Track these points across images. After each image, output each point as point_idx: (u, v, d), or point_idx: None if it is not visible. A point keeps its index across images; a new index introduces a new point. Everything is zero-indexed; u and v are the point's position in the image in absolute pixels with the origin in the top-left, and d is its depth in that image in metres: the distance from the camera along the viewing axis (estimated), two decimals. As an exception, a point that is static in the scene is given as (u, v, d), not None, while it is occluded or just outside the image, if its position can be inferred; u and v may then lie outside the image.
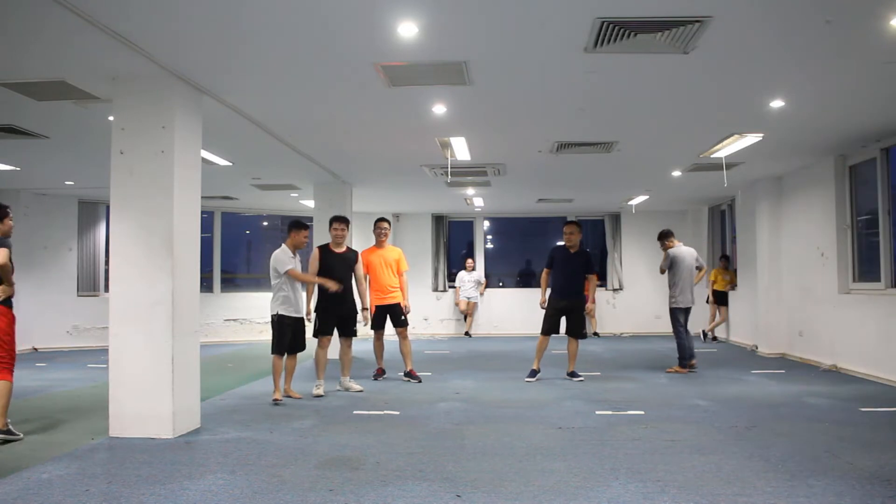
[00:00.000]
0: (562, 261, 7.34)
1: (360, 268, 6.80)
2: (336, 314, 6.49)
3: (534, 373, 7.28)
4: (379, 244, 7.35)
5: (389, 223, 7.49)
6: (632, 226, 13.42)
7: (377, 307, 7.18)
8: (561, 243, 7.58)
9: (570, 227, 7.38)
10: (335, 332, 6.54)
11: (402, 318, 7.23)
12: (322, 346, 6.48)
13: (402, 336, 7.25)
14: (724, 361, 8.88)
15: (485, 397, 6.20)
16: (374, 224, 7.37)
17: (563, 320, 7.31)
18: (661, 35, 4.12)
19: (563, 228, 7.45)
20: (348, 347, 6.64)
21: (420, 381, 7.12)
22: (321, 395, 6.31)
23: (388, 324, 7.29)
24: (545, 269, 7.53)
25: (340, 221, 6.66)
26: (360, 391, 6.53)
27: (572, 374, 7.28)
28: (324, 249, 6.61)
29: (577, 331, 7.27)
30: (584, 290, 7.45)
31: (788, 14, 3.89)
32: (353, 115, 6.12)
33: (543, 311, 7.37)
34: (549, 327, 7.28)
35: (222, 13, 3.81)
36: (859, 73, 4.92)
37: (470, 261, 13.45)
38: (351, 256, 6.69)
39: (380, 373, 7.41)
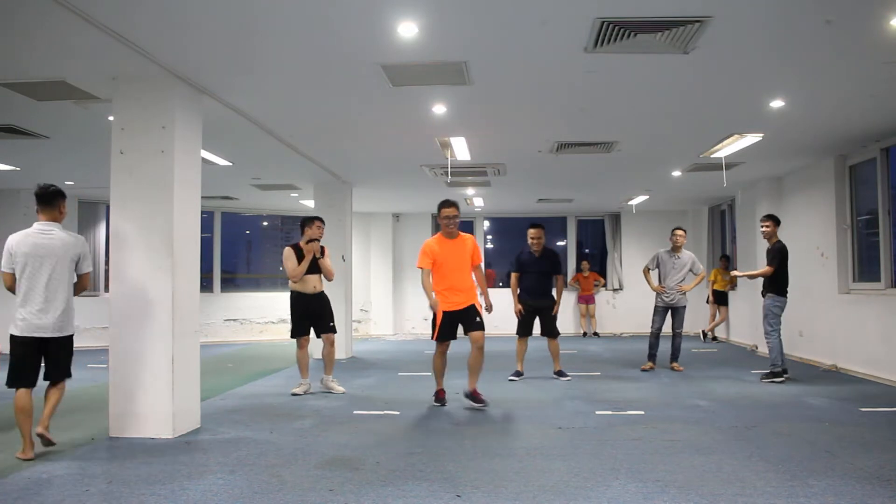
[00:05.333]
0: (529, 264, 7.37)
1: (326, 260, 6.52)
2: (307, 314, 6.45)
3: (518, 374, 7.36)
4: (448, 234, 5.72)
5: (458, 207, 5.79)
6: (632, 226, 13.40)
7: (444, 313, 5.69)
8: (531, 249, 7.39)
9: (538, 231, 7.33)
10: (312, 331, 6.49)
11: (478, 319, 5.72)
12: (301, 347, 6.50)
13: (477, 344, 5.67)
14: (724, 361, 8.88)
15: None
16: (439, 210, 5.75)
17: (537, 322, 7.36)
18: (661, 35, 4.12)
19: (529, 231, 7.37)
20: (330, 345, 6.54)
21: (487, 405, 5.69)
22: (297, 394, 6.36)
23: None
24: (513, 274, 7.52)
25: (321, 221, 6.69)
26: (343, 393, 6.46)
27: (559, 374, 7.32)
28: (296, 248, 6.47)
29: (551, 330, 7.32)
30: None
31: (788, 14, 3.89)
32: (353, 115, 6.13)
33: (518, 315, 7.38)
34: (524, 329, 7.34)
35: (223, 13, 3.81)
36: (859, 73, 4.92)
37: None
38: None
39: (441, 395, 5.89)
